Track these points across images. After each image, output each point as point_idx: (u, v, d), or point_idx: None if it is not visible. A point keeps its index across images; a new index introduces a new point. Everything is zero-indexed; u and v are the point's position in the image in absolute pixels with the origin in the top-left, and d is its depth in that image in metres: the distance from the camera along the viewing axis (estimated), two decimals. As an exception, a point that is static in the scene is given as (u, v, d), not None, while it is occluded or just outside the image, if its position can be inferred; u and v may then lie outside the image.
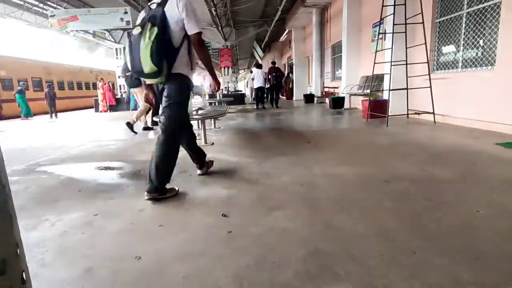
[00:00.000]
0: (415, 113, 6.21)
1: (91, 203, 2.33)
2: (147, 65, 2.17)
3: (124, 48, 2.58)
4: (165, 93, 2.39)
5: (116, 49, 15.83)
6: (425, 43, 5.68)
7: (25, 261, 0.82)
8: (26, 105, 12.20)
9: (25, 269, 0.81)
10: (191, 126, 2.78)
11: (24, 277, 0.80)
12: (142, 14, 2.39)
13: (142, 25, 2.21)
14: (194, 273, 1.39)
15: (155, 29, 2.15)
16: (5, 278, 0.72)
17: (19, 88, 12.27)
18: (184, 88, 2.42)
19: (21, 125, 9.82)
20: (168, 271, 1.42)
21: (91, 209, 2.20)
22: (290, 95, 16.83)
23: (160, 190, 2.33)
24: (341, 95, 9.69)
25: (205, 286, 1.30)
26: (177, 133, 2.45)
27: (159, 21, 2.19)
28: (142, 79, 2.53)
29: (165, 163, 2.34)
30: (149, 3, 2.40)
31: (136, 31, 2.22)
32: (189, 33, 2.30)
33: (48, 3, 12.29)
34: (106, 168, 3.40)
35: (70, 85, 19.55)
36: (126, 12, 11.39)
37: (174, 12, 2.26)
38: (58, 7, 12.30)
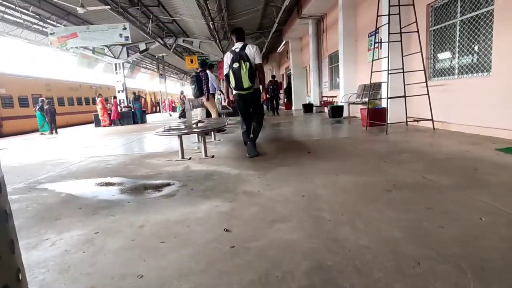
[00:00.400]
0: (414, 120, 6.24)
1: (91, 220, 2.32)
2: (246, 83, 4.03)
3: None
4: (252, 100, 4.27)
5: (116, 64, 16.00)
6: (421, 51, 5.75)
7: (26, 285, 0.82)
8: (44, 121, 12.41)
9: (27, 294, 0.80)
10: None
11: (26, 302, 0.79)
12: (229, 55, 4.12)
13: (238, 61, 4.00)
14: (197, 290, 1.38)
15: (248, 64, 3.99)
16: (6, 303, 0.71)
17: (40, 104, 12.41)
18: (260, 96, 4.34)
19: (21, 142, 9.83)
20: (171, 289, 1.40)
21: (91, 227, 2.19)
22: (289, 105, 16.93)
23: (257, 153, 4.30)
24: (339, 104, 9.75)
25: (209, 303, 1.28)
26: (263, 118, 4.61)
27: (247, 59, 4.00)
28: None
29: (258, 135, 4.42)
30: (233, 48, 4.19)
31: (235, 65, 4.02)
32: (256, 62, 4.08)
33: (48, 21, 12.47)
34: (106, 184, 3.40)
35: (70, 101, 19.68)
36: (125, 28, 11.57)
37: (250, 53, 4.06)
38: (58, 24, 12.50)
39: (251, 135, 4.28)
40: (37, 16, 12.10)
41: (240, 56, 3.99)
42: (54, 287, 1.49)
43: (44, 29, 12.78)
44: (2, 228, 0.70)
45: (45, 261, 1.73)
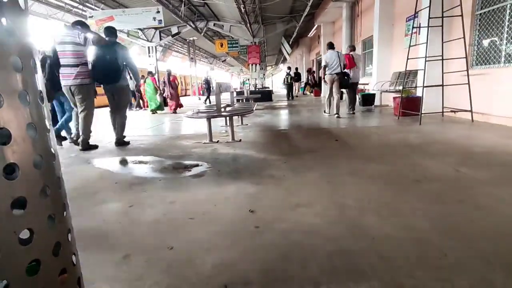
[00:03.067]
0: (451, 111, 5.91)
1: (126, 195, 2.48)
2: (289, 81, 15.87)
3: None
4: (293, 85, 16.46)
5: (149, 47, 16.40)
6: (464, 37, 5.38)
7: (75, 245, 0.91)
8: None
9: (76, 252, 0.90)
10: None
11: (74, 260, 0.89)
12: (286, 71, 15.91)
13: (288, 75, 15.85)
14: (223, 264, 1.46)
15: (290, 77, 15.83)
16: (58, 259, 0.80)
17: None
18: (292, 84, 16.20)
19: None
20: (198, 261, 1.49)
21: (126, 200, 2.35)
22: (318, 92, 16.60)
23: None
24: (371, 91, 9.42)
25: (234, 277, 1.36)
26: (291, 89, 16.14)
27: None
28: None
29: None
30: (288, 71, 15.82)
31: (288, 77, 15.72)
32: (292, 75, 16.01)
33: (87, 4, 12.96)
34: (140, 162, 3.58)
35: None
36: (158, 12, 11.77)
37: (291, 72, 16.29)
38: (96, 8, 12.96)
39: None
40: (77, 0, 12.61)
41: (288, 74, 14.99)
42: (94, 252, 1.63)
43: (83, 13, 13.31)
44: (57, 192, 0.79)
45: (86, 229, 1.89)
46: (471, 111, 5.40)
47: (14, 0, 0.72)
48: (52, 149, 0.81)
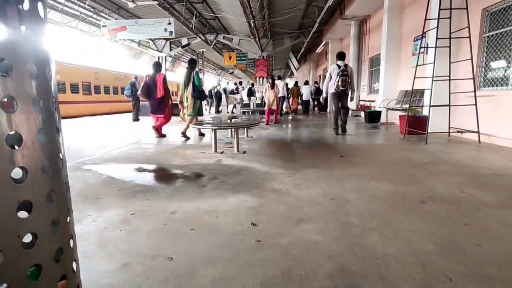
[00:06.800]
0: (458, 131, 5.88)
1: (128, 202, 2.48)
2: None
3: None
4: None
5: (159, 57, 16.71)
6: (471, 59, 5.40)
7: (76, 252, 0.91)
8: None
9: (76, 259, 0.90)
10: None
11: (75, 267, 0.89)
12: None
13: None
14: (222, 278, 1.44)
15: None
16: (59, 265, 0.80)
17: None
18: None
19: (68, 125, 10.59)
20: (197, 273, 1.47)
21: (128, 208, 2.34)
22: (324, 107, 16.64)
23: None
24: (377, 109, 9.43)
25: (232, 291, 1.34)
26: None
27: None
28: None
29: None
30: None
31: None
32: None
33: (101, 14, 13.33)
34: (144, 170, 3.59)
35: (114, 90, 20.83)
36: (169, 23, 12.05)
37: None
38: (109, 18, 13.31)
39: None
40: (92, 9, 12.97)
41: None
42: (93, 258, 1.62)
43: (97, 22, 13.67)
44: (62, 197, 0.80)
45: (87, 235, 1.89)
46: (478, 132, 5.36)
47: (34, 8, 0.74)
48: (60, 155, 0.82)
